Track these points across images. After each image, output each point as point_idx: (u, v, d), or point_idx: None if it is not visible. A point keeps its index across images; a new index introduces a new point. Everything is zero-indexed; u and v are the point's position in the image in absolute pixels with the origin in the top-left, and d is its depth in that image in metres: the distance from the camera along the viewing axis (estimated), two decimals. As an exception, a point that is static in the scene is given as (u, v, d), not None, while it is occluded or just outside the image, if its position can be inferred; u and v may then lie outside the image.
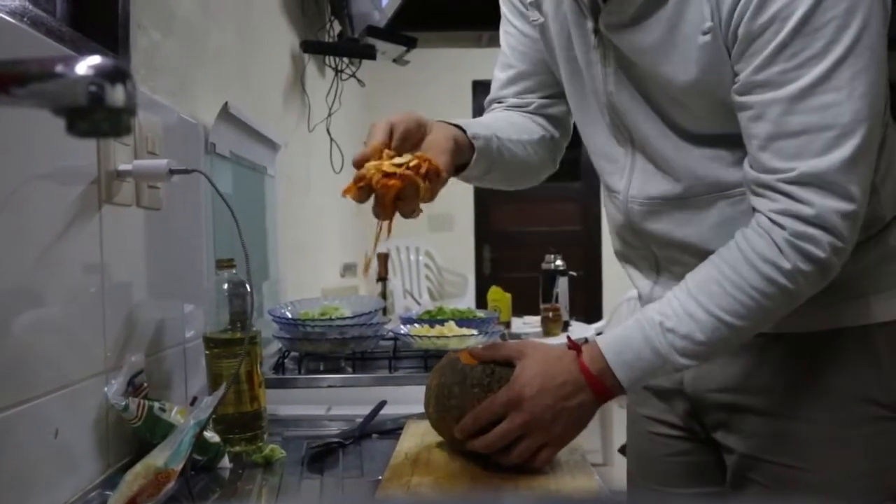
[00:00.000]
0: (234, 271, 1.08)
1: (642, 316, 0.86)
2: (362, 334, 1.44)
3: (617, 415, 3.02)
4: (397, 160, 0.81)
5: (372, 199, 0.82)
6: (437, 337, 1.52)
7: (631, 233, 0.99)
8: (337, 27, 2.95)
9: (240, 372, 1.03)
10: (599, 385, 0.86)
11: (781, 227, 0.79)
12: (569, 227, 5.60)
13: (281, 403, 1.26)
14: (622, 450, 1.84)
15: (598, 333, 1.76)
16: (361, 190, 0.81)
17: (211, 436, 0.96)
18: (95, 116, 0.43)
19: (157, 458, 0.84)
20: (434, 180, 0.83)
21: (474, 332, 1.57)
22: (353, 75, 3.16)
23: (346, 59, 3.06)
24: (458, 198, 5.27)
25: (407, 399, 1.20)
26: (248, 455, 1.01)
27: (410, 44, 2.97)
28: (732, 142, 0.85)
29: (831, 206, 0.77)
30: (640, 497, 0.90)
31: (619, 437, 1.66)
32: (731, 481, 0.99)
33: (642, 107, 0.91)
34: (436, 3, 4.18)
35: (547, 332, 2.61)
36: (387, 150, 0.83)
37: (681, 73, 0.84)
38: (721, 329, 0.82)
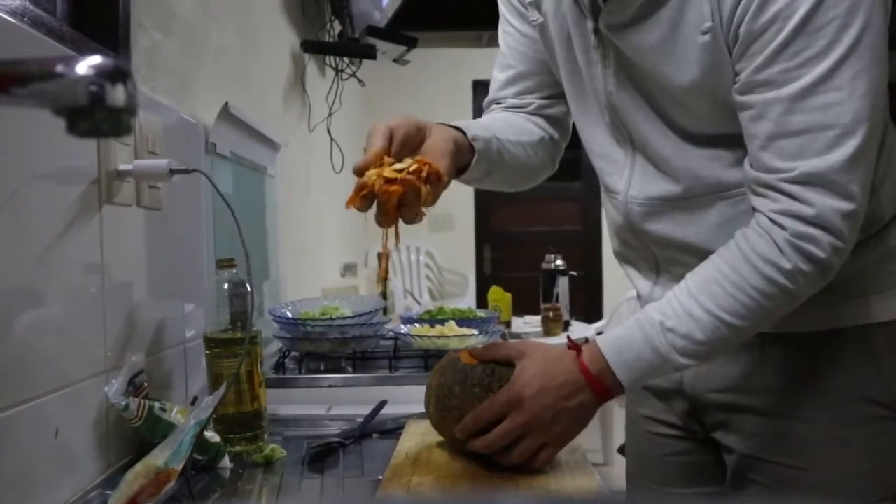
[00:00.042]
0: (234, 271, 1.08)
1: (642, 316, 0.86)
2: (363, 334, 1.44)
3: (617, 415, 3.03)
4: (398, 165, 0.81)
5: (374, 208, 0.82)
6: (438, 337, 1.52)
7: (631, 233, 0.99)
8: (337, 27, 2.95)
9: (240, 372, 1.03)
10: (599, 385, 0.86)
11: (782, 227, 0.79)
12: (569, 227, 5.60)
13: (281, 403, 1.26)
14: (621, 450, 1.84)
15: (599, 333, 1.76)
16: (364, 198, 0.81)
17: (211, 435, 0.96)
18: (96, 116, 0.43)
19: (158, 457, 0.84)
20: (435, 184, 0.83)
21: (475, 331, 1.57)
22: (354, 75, 3.15)
23: (346, 59, 3.06)
24: (458, 198, 5.27)
25: (407, 399, 1.21)
26: (249, 455, 1.01)
27: (411, 44, 2.97)
28: (732, 142, 0.85)
29: (832, 206, 0.77)
30: (640, 497, 0.90)
31: (619, 437, 1.65)
32: (731, 481, 0.99)
33: (642, 107, 0.91)
34: (436, 3, 4.18)
35: (547, 332, 2.61)
36: (387, 158, 0.83)
37: (681, 72, 0.84)
38: (721, 329, 0.82)
